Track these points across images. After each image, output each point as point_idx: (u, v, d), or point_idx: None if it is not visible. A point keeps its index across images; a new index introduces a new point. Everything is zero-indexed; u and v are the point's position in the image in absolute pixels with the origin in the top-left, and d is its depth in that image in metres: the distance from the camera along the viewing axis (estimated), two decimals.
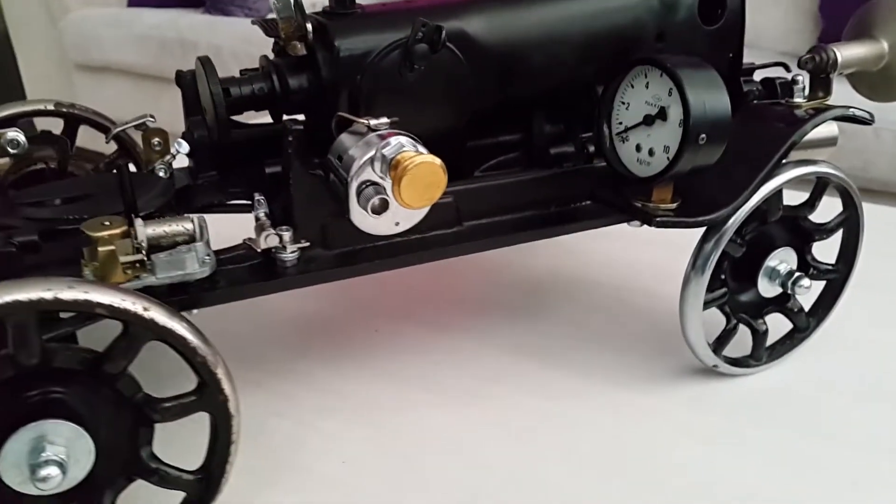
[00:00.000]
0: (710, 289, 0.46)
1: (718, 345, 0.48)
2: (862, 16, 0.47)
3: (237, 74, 0.44)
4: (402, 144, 0.33)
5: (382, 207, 0.34)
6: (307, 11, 0.41)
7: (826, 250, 0.50)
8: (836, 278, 0.51)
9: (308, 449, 0.42)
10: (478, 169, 0.48)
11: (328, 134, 0.40)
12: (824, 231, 0.49)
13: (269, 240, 0.37)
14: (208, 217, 0.44)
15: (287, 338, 0.52)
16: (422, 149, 0.35)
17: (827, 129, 0.50)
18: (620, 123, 0.43)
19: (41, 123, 0.53)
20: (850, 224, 0.50)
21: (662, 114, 0.40)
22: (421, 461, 0.41)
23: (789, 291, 0.47)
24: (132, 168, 0.52)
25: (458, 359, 0.50)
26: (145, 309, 0.29)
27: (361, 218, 0.35)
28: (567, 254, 0.63)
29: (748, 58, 0.51)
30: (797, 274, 0.47)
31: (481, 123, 0.47)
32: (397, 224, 0.36)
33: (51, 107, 0.52)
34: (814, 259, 0.50)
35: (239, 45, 1.56)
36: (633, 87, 0.42)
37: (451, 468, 0.41)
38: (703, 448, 0.44)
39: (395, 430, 0.44)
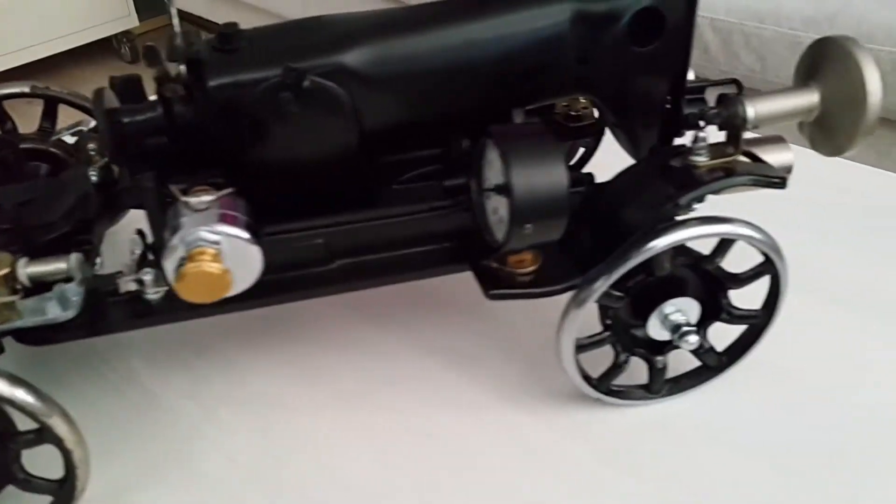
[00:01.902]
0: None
1: (602, 380, 0.48)
2: (802, 59, 0.41)
3: None
4: (198, 239, 0.35)
5: None
6: None
7: None
8: (756, 324, 0.48)
9: (202, 439, 0.48)
10: (396, 180, 0.49)
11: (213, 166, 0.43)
12: (737, 282, 0.46)
13: (128, 285, 0.41)
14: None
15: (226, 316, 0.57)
16: (238, 233, 0.37)
17: (781, 156, 0.46)
18: (488, 180, 0.42)
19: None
20: (772, 278, 0.46)
21: (507, 188, 0.38)
22: (286, 466, 0.47)
23: (675, 343, 0.46)
24: None
25: (372, 355, 0.54)
26: None
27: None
28: None
29: None
30: (686, 328, 0.45)
31: (394, 141, 0.47)
32: None
33: (27, 89, 0.57)
34: (729, 304, 0.47)
35: None
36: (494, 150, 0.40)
37: (308, 477, 0.46)
38: (550, 479, 0.45)
39: (279, 428, 0.49)
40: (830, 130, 0.40)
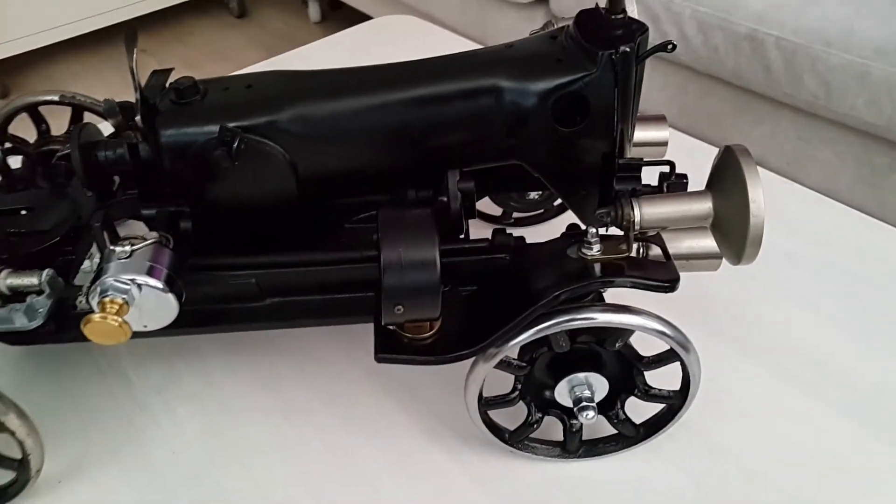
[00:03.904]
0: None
1: (514, 435, 0.50)
2: (713, 164, 0.40)
3: None
4: (109, 288, 0.40)
5: None
6: None
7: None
8: (671, 405, 0.49)
9: (157, 431, 0.55)
10: (349, 220, 0.52)
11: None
12: (643, 364, 0.47)
13: (82, 305, 0.47)
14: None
15: None
16: (153, 283, 0.42)
17: (704, 243, 0.45)
18: None
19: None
20: (682, 366, 0.46)
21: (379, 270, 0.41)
22: (219, 470, 0.52)
23: (575, 414, 0.47)
24: None
25: (323, 371, 0.58)
26: None
27: None
28: None
29: None
30: (585, 403, 0.46)
31: (335, 189, 0.51)
32: (145, 326, 0.44)
33: (56, 98, 0.64)
34: (644, 382, 0.48)
35: None
36: None
37: (235, 484, 0.51)
38: None
39: (223, 431, 0.55)
40: (724, 239, 0.40)
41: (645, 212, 0.39)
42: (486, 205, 0.69)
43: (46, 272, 0.49)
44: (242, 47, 2.06)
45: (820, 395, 0.55)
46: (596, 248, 0.41)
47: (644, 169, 0.47)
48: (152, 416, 0.56)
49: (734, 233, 0.38)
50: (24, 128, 0.65)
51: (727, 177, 0.38)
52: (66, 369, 0.59)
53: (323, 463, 0.52)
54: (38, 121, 0.65)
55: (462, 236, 0.50)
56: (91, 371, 0.59)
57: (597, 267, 0.41)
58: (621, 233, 0.43)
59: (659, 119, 0.56)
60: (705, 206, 0.39)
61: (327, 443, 0.53)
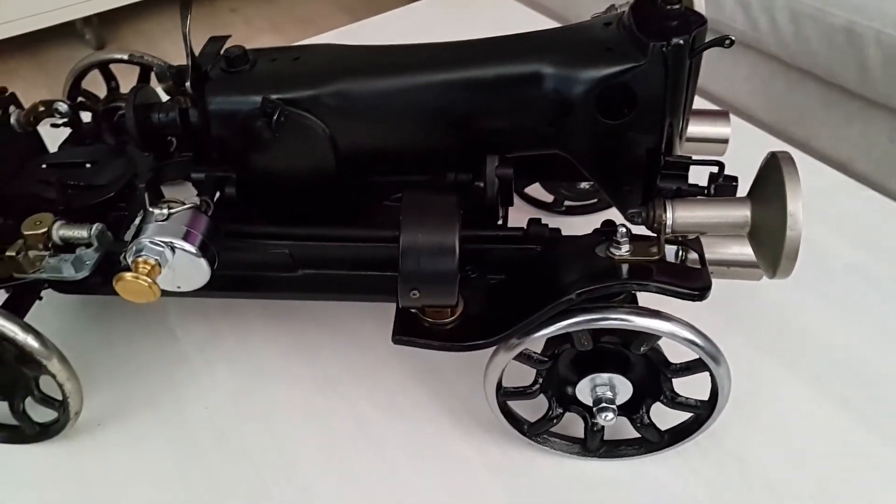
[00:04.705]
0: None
1: (533, 427, 0.50)
2: (758, 170, 0.38)
3: None
4: (144, 248, 0.42)
5: None
6: None
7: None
8: (699, 415, 0.47)
9: (195, 387, 0.57)
10: (387, 199, 0.52)
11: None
12: (671, 370, 0.45)
13: (124, 261, 0.49)
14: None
15: None
16: (186, 247, 0.43)
17: (748, 251, 0.43)
18: None
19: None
20: (711, 377, 0.44)
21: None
22: (247, 432, 0.54)
23: (595, 413, 0.46)
24: None
25: (355, 345, 0.59)
26: None
27: None
28: None
29: None
30: (605, 404, 0.45)
31: (373, 167, 0.51)
32: (178, 287, 0.45)
33: (125, 56, 0.67)
34: (671, 389, 0.46)
35: None
36: None
37: (260, 446, 0.53)
38: None
39: (256, 395, 0.56)
40: (760, 250, 0.37)
41: (678, 215, 0.37)
42: (537, 191, 0.68)
43: (96, 226, 0.51)
44: (328, 12, 2.07)
45: (865, 418, 0.52)
46: (625, 248, 0.40)
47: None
48: (191, 373, 0.58)
49: (770, 245, 0.36)
50: (97, 84, 0.68)
51: (769, 185, 0.36)
52: (114, 320, 0.62)
53: (349, 437, 0.53)
54: (109, 78, 0.68)
55: (500, 223, 0.50)
56: (138, 323, 0.62)
57: (624, 268, 0.40)
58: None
59: (721, 115, 0.53)
60: (742, 214, 0.37)
61: (354, 416, 0.54)
